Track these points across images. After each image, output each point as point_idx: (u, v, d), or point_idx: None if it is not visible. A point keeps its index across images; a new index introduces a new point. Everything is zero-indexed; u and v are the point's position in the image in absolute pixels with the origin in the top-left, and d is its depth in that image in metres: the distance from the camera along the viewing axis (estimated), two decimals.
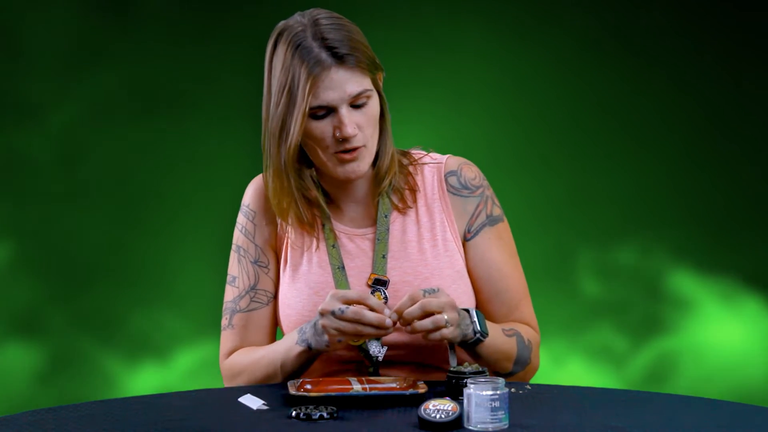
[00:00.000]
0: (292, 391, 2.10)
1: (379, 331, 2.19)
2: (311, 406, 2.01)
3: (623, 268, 4.31)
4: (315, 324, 2.24)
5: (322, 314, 2.20)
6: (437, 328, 2.19)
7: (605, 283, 4.32)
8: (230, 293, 2.43)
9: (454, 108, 4.23)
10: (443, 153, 2.46)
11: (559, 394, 2.20)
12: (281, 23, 2.33)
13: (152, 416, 2.04)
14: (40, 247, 4.34)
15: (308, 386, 2.11)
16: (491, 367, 2.30)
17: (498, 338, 2.30)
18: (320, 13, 2.32)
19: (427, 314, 2.18)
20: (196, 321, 4.34)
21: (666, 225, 4.31)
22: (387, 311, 2.19)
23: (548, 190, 4.28)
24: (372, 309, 2.19)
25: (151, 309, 4.33)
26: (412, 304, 2.19)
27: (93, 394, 4.31)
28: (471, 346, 2.26)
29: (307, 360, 2.30)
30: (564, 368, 4.30)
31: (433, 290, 2.21)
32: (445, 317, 2.19)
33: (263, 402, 2.09)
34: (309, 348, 2.26)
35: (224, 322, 2.43)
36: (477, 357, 2.29)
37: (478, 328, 2.24)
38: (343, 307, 2.19)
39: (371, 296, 2.21)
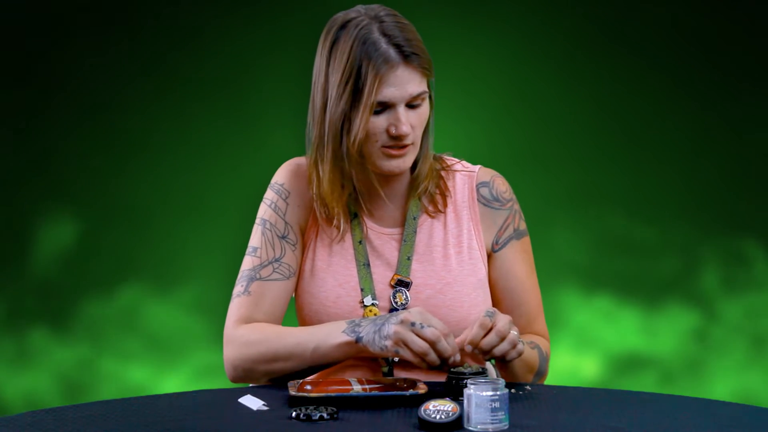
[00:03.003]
0: (292, 391, 2.10)
1: (443, 360, 2.18)
2: (311, 407, 2.01)
3: (625, 266, 4.31)
4: (383, 325, 2.20)
5: (402, 322, 2.18)
6: (514, 346, 2.19)
7: (608, 280, 4.32)
8: (249, 262, 2.39)
9: (454, 107, 4.23)
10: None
11: (559, 394, 2.20)
12: (341, 15, 2.34)
13: (152, 416, 2.04)
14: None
15: (308, 387, 2.11)
16: (515, 379, 2.32)
17: (527, 351, 2.32)
18: (382, 9, 2.33)
19: (502, 339, 2.18)
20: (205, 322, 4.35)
21: (667, 222, 4.31)
22: (455, 341, 2.18)
23: (548, 190, 4.28)
24: (438, 351, 2.17)
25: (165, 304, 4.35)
26: (484, 333, 2.18)
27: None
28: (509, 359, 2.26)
29: (346, 353, 2.26)
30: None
31: (491, 313, 2.20)
32: (515, 333, 2.20)
33: (263, 403, 2.09)
34: (356, 341, 2.23)
35: (239, 288, 2.38)
36: (506, 369, 2.30)
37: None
38: (426, 323, 2.17)
39: (450, 337, 2.18)
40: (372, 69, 2.27)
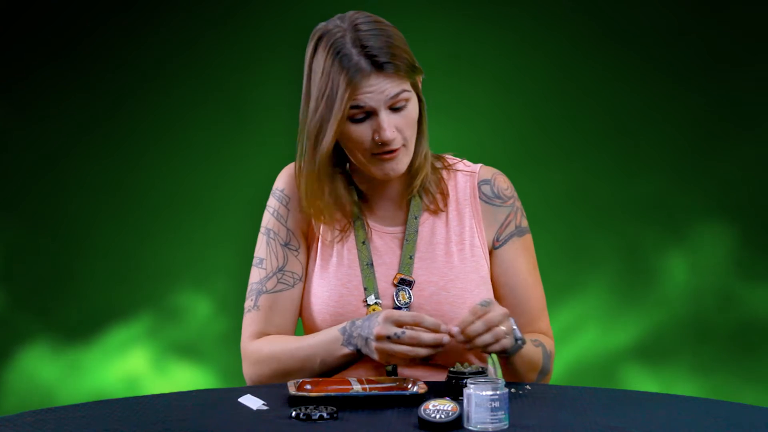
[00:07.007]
0: (292, 391, 2.10)
1: (436, 349, 2.20)
2: (311, 407, 2.01)
3: (624, 267, 4.31)
4: (367, 341, 2.23)
5: (378, 339, 2.20)
6: (497, 341, 2.19)
7: (610, 282, 4.32)
8: (257, 275, 2.42)
9: (451, 107, 4.24)
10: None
11: (559, 394, 2.20)
12: (320, 26, 2.33)
13: (152, 416, 2.04)
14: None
15: (308, 386, 2.11)
16: (519, 378, 2.32)
17: (530, 348, 2.31)
18: (359, 17, 2.31)
19: (488, 329, 2.19)
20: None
21: (666, 220, 4.31)
22: (443, 327, 2.19)
23: (546, 190, 4.28)
24: (428, 329, 2.19)
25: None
26: (474, 319, 2.18)
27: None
28: (509, 354, 2.26)
29: (351, 361, 2.30)
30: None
31: (487, 302, 2.20)
32: (503, 328, 2.20)
33: (263, 402, 2.09)
34: (357, 352, 2.27)
35: (249, 303, 2.41)
36: (509, 366, 2.30)
37: (519, 335, 2.25)
38: (399, 332, 2.19)
39: (426, 317, 2.20)
40: (344, 81, 2.26)
